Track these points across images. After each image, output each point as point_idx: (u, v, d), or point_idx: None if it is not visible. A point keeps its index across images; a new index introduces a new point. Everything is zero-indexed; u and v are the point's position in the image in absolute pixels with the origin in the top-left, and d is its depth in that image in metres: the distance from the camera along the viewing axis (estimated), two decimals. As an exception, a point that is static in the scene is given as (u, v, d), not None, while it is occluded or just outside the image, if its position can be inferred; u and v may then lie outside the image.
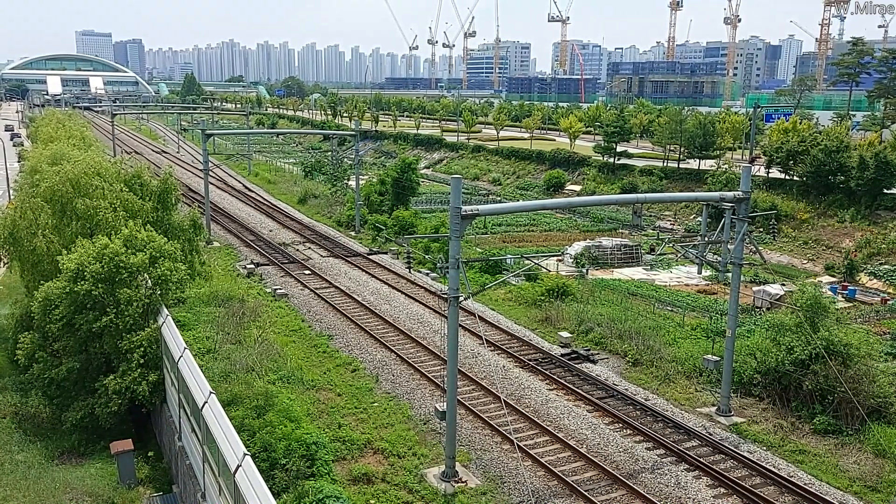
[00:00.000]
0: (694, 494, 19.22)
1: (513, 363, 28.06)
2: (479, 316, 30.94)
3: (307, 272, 41.19)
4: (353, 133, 56.65)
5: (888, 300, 44.63)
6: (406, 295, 36.94)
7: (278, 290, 36.77)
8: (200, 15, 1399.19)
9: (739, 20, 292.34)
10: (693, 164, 77.91)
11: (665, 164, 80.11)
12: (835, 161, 58.71)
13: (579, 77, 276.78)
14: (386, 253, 46.30)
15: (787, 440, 22.08)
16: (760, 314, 37.27)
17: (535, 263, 40.42)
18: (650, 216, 67.80)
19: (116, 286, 24.56)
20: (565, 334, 30.51)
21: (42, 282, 26.29)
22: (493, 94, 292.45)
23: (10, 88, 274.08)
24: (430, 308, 34.56)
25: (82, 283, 24.06)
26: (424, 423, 22.91)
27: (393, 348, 29.09)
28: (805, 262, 54.98)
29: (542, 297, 35.27)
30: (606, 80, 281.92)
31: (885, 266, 49.88)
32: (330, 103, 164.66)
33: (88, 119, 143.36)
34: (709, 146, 76.85)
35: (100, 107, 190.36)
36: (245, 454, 14.86)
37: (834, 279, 49.50)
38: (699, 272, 31.89)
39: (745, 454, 21.10)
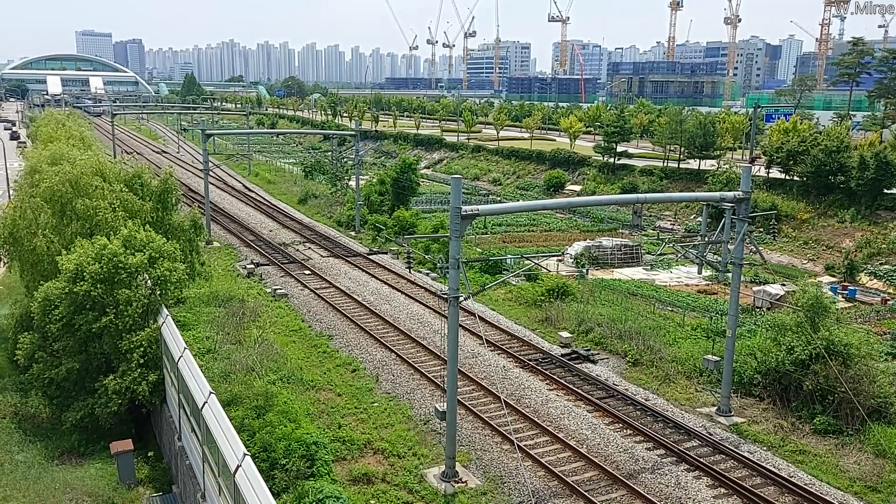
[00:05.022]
0: (694, 495, 19.21)
1: (513, 363, 28.04)
2: (479, 316, 30.92)
3: (307, 272, 41.18)
4: (353, 133, 56.63)
5: (888, 300, 44.62)
6: (406, 295, 36.92)
7: (278, 290, 36.75)
8: (200, 15, 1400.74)
9: (739, 20, 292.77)
10: (693, 164, 77.91)
11: (665, 165, 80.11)
12: (835, 161, 58.72)
13: (579, 77, 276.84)
14: (386, 253, 46.29)
15: (787, 440, 22.06)
16: (761, 314, 37.26)
17: (535, 263, 40.40)
18: (650, 216, 67.79)
19: (116, 286, 24.54)
20: (565, 334, 30.49)
21: (42, 282, 26.27)
22: (494, 94, 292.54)
23: (10, 88, 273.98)
24: (430, 308, 34.54)
25: (81, 283, 24.03)
26: (424, 423, 22.89)
27: (393, 348, 29.07)
28: (805, 262, 54.97)
29: (543, 297, 35.25)
30: (606, 80, 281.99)
31: (886, 266, 49.87)
32: (330, 103, 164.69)
33: (89, 119, 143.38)
34: (709, 146, 76.85)
35: (100, 107, 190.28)
36: (245, 454, 14.85)
37: (834, 279, 49.51)
38: (699, 272, 31.83)
39: (746, 454, 21.08)
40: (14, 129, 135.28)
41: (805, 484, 19.51)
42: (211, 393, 18.04)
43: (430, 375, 26.37)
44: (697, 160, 77.69)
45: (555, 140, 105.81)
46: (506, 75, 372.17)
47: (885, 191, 56.42)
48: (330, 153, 73.85)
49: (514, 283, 39.27)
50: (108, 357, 24.99)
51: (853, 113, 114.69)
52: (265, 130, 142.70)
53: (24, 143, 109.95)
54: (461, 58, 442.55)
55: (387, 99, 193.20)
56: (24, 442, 24.28)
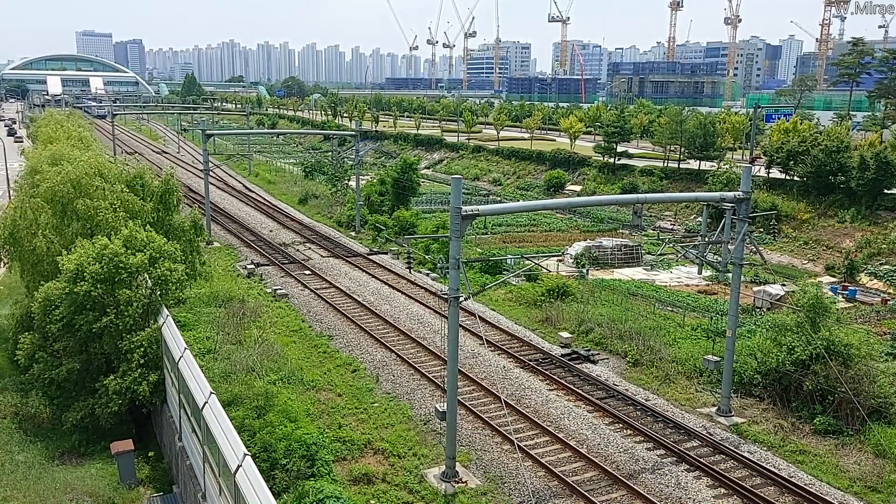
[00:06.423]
0: (694, 495, 19.22)
1: (513, 363, 28.05)
2: (479, 316, 30.94)
3: (307, 272, 41.19)
4: (353, 133, 56.64)
5: (888, 300, 44.62)
6: (406, 295, 36.94)
7: (278, 291, 36.76)
8: (200, 15, 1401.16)
9: (740, 20, 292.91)
10: (693, 164, 77.92)
11: (665, 165, 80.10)
12: (835, 161, 58.70)
13: (579, 77, 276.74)
14: (386, 253, 46.30)
15: (787, 440, 22.08)
16: (761, 314, 37.27)
17: (536, 264, 40.41)
18: (650, 216, 67.78)
19: (116, 287, 24.57)
20: (565, 334, 30.50)
21: (42, 282, 26.32)
22: (494, 95, 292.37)
23: (11, 88, 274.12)
24: (431, 308, 34.56)
25: (82, 283, 24.07)
26: (425, 424, 22.91)
27: (393, 348, 29.08)
28: (805, 262, 54.97)
29: (543, 298, 35.26)
30: (607, 80, 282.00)
31: (886, 266, 49.86)
32: (330, 103, 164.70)
33: (90, 120, 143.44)
34: (709, 146, 76.84)
35: (102, 108, 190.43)
36: (245, 454, 14.87)
37: (834, 279, 49.51)
38: (699, 272, 31.89)
39: (746, 454, 21.10)
40: (13, 126, 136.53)
41: (805, 484, 19.52)
42: (211, 393, 18.07)
43: (430, 375, 26.39)
44: (697, 160, 77.71)
45: (555, 140, 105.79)
46: (506, 75, 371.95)
47: (886, 191, 56.40)
48: (330, 153, 73.92)
49: (514, 283, 39.28)
50: (109, 357, 25.02)
51: (853, 113, 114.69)
52: (265, 131, 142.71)
53: (21, 138, 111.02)
54: (461, 58, 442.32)
55: (387, 99, 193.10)
56: (25, 442, 24.31)
